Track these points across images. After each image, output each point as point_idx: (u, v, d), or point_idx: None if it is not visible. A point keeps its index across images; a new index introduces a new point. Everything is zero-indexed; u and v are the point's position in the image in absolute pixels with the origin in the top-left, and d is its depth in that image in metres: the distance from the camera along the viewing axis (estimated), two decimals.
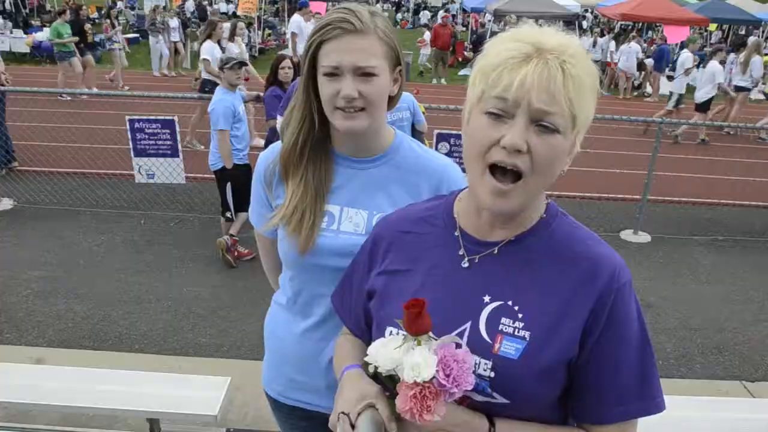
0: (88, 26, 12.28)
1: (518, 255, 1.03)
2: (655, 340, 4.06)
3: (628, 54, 14.24)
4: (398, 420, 0.99)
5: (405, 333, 0.96)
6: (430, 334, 0.96)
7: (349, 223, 1.39)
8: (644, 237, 5.95)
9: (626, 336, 0.99)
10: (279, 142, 1.46)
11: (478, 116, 0.95)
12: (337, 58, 1.25)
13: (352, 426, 0.98)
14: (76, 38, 11.03)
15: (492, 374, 0.97)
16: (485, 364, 0.98)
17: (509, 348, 0.97)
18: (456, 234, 1.08)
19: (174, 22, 14.81)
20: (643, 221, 6.05)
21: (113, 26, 13.41)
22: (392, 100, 1.38)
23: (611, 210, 6.65)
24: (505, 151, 0.91)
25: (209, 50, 7.49)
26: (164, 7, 14.46)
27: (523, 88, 0.88)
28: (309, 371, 1.50)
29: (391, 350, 0.95)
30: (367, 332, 1.19)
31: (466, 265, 1.05)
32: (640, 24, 18.56)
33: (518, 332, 0.98)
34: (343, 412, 1.00)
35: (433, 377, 0.90)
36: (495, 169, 0.93)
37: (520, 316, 0.99)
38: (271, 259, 1.61)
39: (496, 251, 1.04)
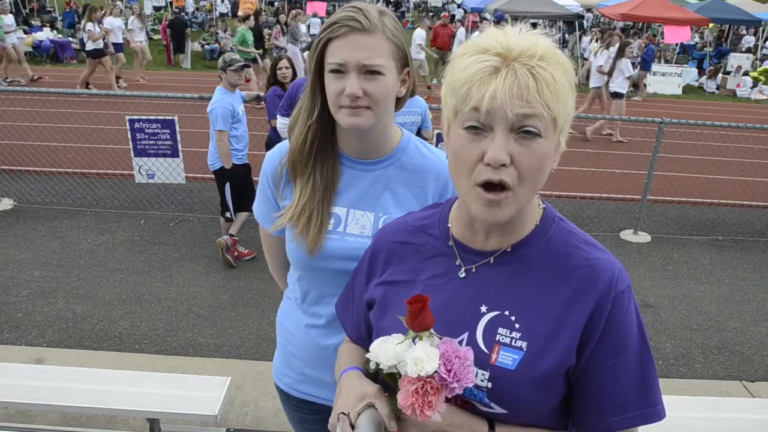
0: (266, 32, 12.52)
1: (514, 264, 1.01)
2: (655, 340, 4.08)
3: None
4: (398, 419, 0.99)
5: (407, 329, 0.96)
6: (432, 330, 0.96)
7: (355, 225, 1.39)
8: (644, 237, 5.95)
9: (625, 343, 0.98)
10: (285, 141, 1.46)
11: (456, 131, 0.93)
12: (342, 55, 1.24)
13: (352, 426, 0.98)
14: (259, 51, 11.50)
15: (489, 385, 0.97)
16: (482, 374, 0.97)
17: (506, 358, 0.97)
18: (450, 244, 1.07)
19: (303, 28, 14.71)
20: (643, 221, 6.05)
21: (283, 33, 13.34)
22: (400, 101, 1.38)
23: (611, 210, 6.65)
24: (490, 168, 0.89)
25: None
26: (294, 15, 14.36)
27: (496, 100, 0.86)
28: (318, 365, 1.51)
29: (392, 346, 0.96)
30: (367, 341, 1.19)
31: (463, 275, 1.04)
32: (640, 24, 18.55)
33: (515, 342, 0.97)
34: (342, 413, 1.00)
35: (435, 372, 0.90)
36: (484, 184, 0.91)
37: (517, 326, 0.98)
38: (277, 259, 1.61)
39: (492, 261, 1.02)
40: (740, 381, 3.73)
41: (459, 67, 0.91)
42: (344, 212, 1.40)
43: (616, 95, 9.59)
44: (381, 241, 1.17)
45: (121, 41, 12.80)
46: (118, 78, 12.78)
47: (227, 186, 4.78)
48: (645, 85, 14.67)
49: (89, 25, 11.64)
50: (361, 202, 1.40)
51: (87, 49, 11.83)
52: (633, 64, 14.61)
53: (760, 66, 17.32)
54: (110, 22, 12.43)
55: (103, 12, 12.96)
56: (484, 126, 0.88)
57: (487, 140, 0.89)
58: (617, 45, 9.90)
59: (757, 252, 5.77)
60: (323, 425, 1.57)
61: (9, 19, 13.07)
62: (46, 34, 16.48)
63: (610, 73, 9.57)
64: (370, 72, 1.26)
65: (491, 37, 0.91)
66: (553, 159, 0.95)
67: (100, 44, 11.67)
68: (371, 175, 1.41)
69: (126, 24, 14.00)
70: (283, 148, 1.45)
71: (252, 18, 11.85)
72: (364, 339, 1.21)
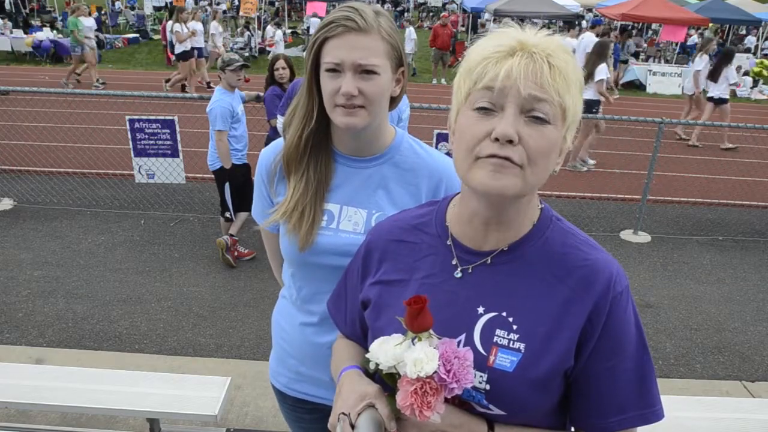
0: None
1: (512, 264, 1.01)
2: (655, 340, 4.08)
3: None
4: (398, 420, 0.99)
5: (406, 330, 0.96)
6: (431, 331, 0.96)
7: (348, 222, 1.40)
8: (644, 237, 5.95)
9: (623, 344, 0.97)
10: (280, 139, 1.47)
11: (465, 114, 0.93)
12: (338, 55, 1.26)
13: (352, 426, 0.98)
14: None
15: (487, 387, 0.96)
16: (480, 376, 0.96)
17: (504, 360, 0.96)
18: (448, 243, 1.06)
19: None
20: (643, 221, 6.05)
21: None
22: (394, 101, 1.39)
23: (611, 210, 6.65)
24: (496, 144, 0.88)
25: (605, 71, 7.62)
26: None
27: (510, 78, 0.87)
28: (314, 364, 1.51)
29: (392, 347, 0.95)
30: (362, 339, 1.18)
31: (459, 275, 1.03)
32: (640, 24, 18.56)
33: (513, 344, 0.97)
34: (342, 413, 1.00)
35: (435, 372, 0.90)
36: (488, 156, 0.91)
37: (514, 327, 0.97)
38: (275, 254, 1.62)
39: (489, 261, 1.02)
40: (740, 381, 3.73)
41: (475, 52, 0.92)
42: (337, 209, 1.41)
43: (722, 101, 9.58)
44: (375, 239, 1.16)
45: (202, 45, 12.57)
46: (204, 82, 12.62)
47: (227, 186, 4.78)
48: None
49: (176, 26, 11.49)
50: (355, 199, 1.41)
51: (176, 52, 11.66)
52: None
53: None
54: (193, 25, 12.30)
55: (189, 13, 12.76)
56: (495, 106, 0.89)
57: (496, 119, 0.89)
58: (721, 52, 9.91)
59: (757, 252, 5.77)
60: (320, 424, 1.57)
61: (89, 21, 12.95)
62: (46, 34, 16.49)
63: (715, 79, 9.51)
64: (365, 71, 1.27)
65: (508, 30, 0.93)
66: (558, 153, 0.94)
67: (188, 46, 11.51)
68: (365, 173, 1.42)
69: (207, 28, 13.65)
70: (278, 145, 1.47)
71: None
72: (359, 337, 1.21)
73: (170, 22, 12.19)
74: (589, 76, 7.54)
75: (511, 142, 0.87)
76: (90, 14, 14.34)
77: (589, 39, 10.54)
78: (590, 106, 7.54)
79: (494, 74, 0.88)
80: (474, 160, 0.91)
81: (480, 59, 0.90)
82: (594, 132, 7.87)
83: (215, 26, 13.57)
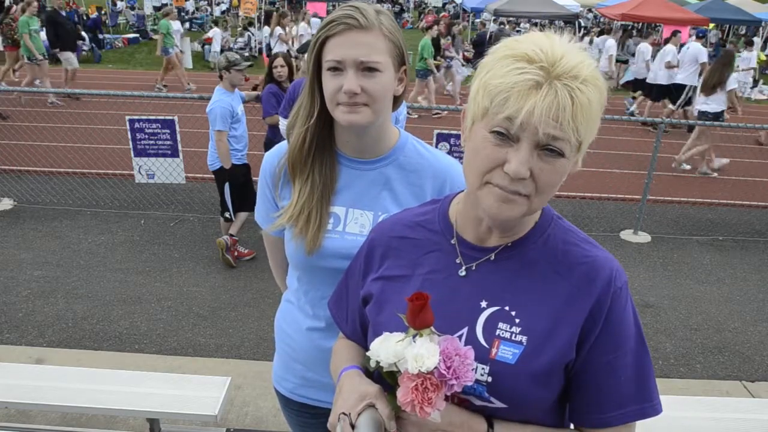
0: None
1: (515, 260, 1.03)
2: (655, 340, 4.08)
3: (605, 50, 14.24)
4: (397, 419, 0.99)
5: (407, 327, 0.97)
6: (432, 328, 0.96)
7: (354, 224, 1.39)
8: (644, 237, 5.95)
9: (622, 339, 0.99)
10: (284, 142, 1.46)
11: (481, 131, 0.92)
12: (340, 53, 1.25)
13: (352, 426, 0.98)
14: (439, 62, 11.25)
15: (489, 379, 0.98)
16: (482, 369, 0.98)
17: (506, 353, 0.98)
18: (452, 241, 1.08)
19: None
20: (643, 221, 6.05)
21: (454, 44, 12.71)
22: (397, 100, 1.38)
23: (611, 210, 6.66)
24: (507, 177, 0.90)
25: (735, 79, 7.57)
26: (462, 29, 13.71)
27: (531, 117, 0.86)
28: (318, 369, 1.50)
29: (393, 344, 0.96)
30: (363, 339, 1.19)
31: (464, 272, 1.05)
32: (640, 24, 18.55)
33: (515, 337, 0.98)
34: (343, 413, 1.00)
35: (435, 368, 0.90)
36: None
37: (517, 321, 0.99)
38: (278, 259, 1.62)
39: (492, 257, 1.04)
40: (740, 381, 3.73)
41: (499, 71, 0.89)
42: (343, 211, 1.40)
43: None
44: (378, 237, 1.17)
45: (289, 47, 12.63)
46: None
47: (227, 186, 4.78)
48: None
49: (278, 29, 11.65)
50: (360, 201, 1.40)
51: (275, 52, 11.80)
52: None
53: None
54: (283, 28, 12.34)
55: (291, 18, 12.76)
56: (512, 136, 0.89)
57: (511, 150, 0.90)
58: None
59: (757, 252, 5.77)
60: (325, 428, 1.57)
61: (177, 25, 12.89)
62: (46, 34, 16.43)
63: None
64: (367, 69, 1.26)
65: (538, 45, 0.89)
66: (567, 175, 0.96)
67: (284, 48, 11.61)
68: (369, 175, 1.41)
69: (293, 31, 13.42)
70: (281, 148, 1.46)
71: (435, 28, 11.34)
72: (359, 336, 1.21)
73: (266, 28, 12.24)
74: (717, 85, 7.69)
75: (522, 178, 0.89)
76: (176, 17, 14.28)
77: (695, 48, 10.45)
78: (716, 116, 7.68)
79: (515, 109, 0.87)
80: (484, 183, 0.93)
81: (503, 86, 0.88)
82: (706, 138, 7.94)
83: (304, 28, 13.45)
